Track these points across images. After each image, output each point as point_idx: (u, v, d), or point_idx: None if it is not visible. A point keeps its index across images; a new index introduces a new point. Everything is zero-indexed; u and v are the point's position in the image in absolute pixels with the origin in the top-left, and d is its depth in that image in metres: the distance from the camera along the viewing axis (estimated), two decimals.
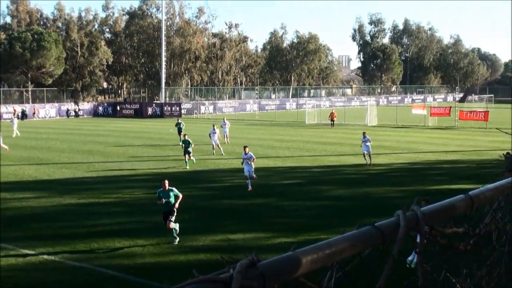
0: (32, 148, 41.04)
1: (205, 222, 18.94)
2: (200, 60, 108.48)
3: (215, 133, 37.24)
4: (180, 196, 16.63)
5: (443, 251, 2.12)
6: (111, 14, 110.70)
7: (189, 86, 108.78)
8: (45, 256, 15.35)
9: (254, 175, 24.80)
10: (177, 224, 16.51)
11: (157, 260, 15.03)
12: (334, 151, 38.27)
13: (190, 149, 31.30)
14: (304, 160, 34.58)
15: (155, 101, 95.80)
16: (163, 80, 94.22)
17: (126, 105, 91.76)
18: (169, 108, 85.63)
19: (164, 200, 16.42)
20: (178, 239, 16.35)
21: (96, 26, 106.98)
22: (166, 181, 16.77)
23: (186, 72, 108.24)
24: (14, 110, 75.16)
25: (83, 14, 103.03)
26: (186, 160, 31.27)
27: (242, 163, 25.25)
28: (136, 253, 15.60)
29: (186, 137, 32.37)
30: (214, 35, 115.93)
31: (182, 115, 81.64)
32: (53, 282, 13.56)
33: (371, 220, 1.84)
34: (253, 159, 25.02)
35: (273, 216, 20.05)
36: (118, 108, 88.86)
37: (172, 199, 16.45)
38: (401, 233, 1.78)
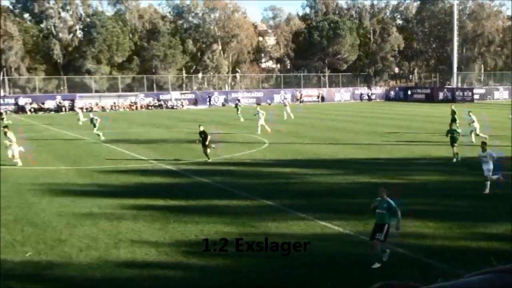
0: (328, 128, 43.78)
1: (499, 210, 18.13)
2: (494, 44, 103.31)
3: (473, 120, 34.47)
4: (398, 214, 13.30)
5: None
6: (402, 1, 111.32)
7: (482, 71, 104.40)
8: (341, 229, 16.20)
9: (495, 176, 20.33)
10: (386, 253, 13.64)
11: (447, 243, 14.80)
12: None
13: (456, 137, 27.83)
14: None
15: (447, 86, 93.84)
16: (455, 65, 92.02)
17: (417, 89, 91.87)
18: (461, 93, 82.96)
19: (377, 211, 13.49)
20: (378, 265, 13.17)
21: (387, 13, 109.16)
22: (383, 190, 13.68)
23: (479, 56, 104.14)
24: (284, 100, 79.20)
25: (375, 2, 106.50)
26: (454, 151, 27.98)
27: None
28: (427, 235, 15.58)
29: (453, 126, 29.19)
30: (510, 18, 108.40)
31: (474, 100, 78.63)
32: (348, 254, 14.16)
33: None
34: (493, 157, 20.32)
35: None
36: (409, 92, 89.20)
37: (385, 212, 13.42)
38: None
